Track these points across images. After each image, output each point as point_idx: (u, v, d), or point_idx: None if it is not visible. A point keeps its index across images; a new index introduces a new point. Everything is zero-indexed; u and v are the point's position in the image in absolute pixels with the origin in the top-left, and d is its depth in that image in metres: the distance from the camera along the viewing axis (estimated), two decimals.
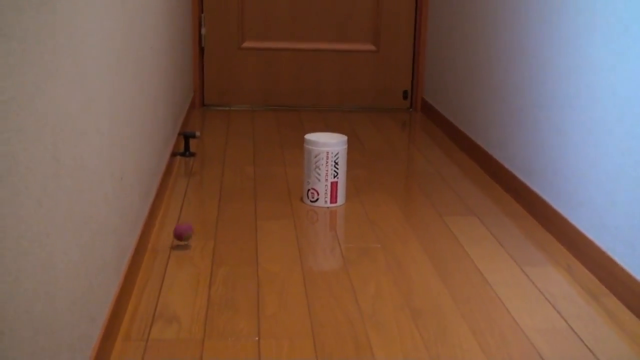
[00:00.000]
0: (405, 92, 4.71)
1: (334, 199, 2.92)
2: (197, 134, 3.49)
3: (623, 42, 2.24)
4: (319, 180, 2.90)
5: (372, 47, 4.63)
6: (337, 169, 2.89)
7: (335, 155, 2.88)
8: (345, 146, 2.91)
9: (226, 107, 4.65)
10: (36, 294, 1.26)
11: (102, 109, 1.80)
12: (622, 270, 2.21)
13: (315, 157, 2.88)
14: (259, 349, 1.90)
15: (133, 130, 2.26)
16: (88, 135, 1.65)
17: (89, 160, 1.65)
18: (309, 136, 2.91)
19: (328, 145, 2.87)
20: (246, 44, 4.57)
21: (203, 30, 4.52)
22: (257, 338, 1.95)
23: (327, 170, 2.88)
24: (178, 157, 3.54)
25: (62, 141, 1.42)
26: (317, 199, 2.92)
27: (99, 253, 1.76)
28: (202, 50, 4.56)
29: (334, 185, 2.91)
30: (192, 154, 3.57)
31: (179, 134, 3.60)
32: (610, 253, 2.30)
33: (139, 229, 2.37)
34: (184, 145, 3.54)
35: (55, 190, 1.38)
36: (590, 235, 2.43)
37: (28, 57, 1.21)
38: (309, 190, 2.92)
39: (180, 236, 2.46)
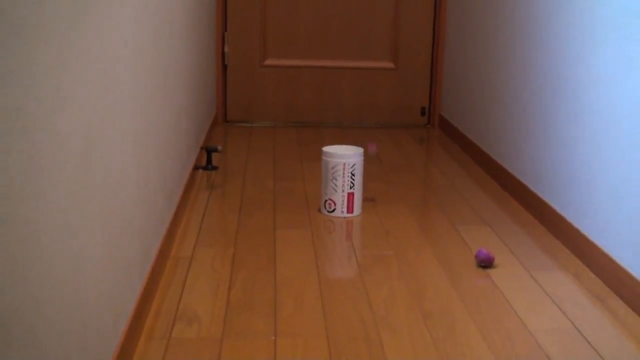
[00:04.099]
0: (423, 109, 4.80)
1: (350, 209, 3.02)
2: (220, 148, 3.61)
3: (629, 56, 2.33)
4: (336, 191, 2.99)
5: (390, 65, 4.74)
6: (354, 180, 2.99)
7: (351, 167, 2.98)
8: (362, 158, 3.01)
9: (248, 124, 4.77)
10: (66, 280, 1.36)
11: (128, 114, 1.91)
12: (628, 274, 2.28)
13: (333, 168, 2.98)
14: (275, 347, 2.00)
15: (157, 137, 2.37)
16: (115, 138, 1.76)
17: (115, 162, 1.76)
18: (327, 148, 3.01)
19: (345, 157, 2.97)
20: (268, 62, 4.69)
21: (226, 48, 4.65)
22: (273, 337, 2.05)
23: (343, 182, 2.98)
24: (200, 171, 3.65)
25: (91, 141, 1.53)
26: (334, 209, 3.02)
27: (124, 252, 1.87)
28: (225, 67, 4.69)
29: (351, 196, 3.00)
30: (215, 168, 3.69)
31: (202, 148, 3.71)
32: (616, 258, 2.38)
33: (162, 234, 2.48)
34: (207, 159, 3.65)
35: (84, 186, 1.48)
36: (597, 241, 2.51)
37: (63, 60, 1.32)
38: (326, 200, 3.02)
39: (487, 261, 2.52)
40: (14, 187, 1.11)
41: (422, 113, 4.82)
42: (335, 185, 2.99)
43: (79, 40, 1.44)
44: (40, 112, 1.22)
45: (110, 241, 1.72)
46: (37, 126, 1.20)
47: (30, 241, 1.17)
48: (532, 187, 3.12)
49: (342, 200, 3.00)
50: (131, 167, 1.97)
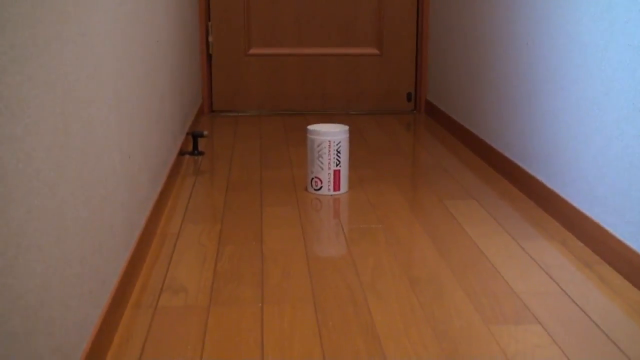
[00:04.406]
0: (409, 94, 4.80)
1: (337, 186, 3.01)
2: (205, 133, 3.60)
3: (608, 20, 2.33)
4: (322, 168, 2.99)
5: (375, 51, 4.74)
6: (340, 157, 2.99)
7: (337, 144, 2.98)
8: (347, 135, 3.01)
9: (234, 113, 4.76)
10: (47, 233, 1.35)
11: (108, 81, 1.90)
12: (613, 238, 2.28)
13: (318, 146, 2.97)
14: (262, 313, 1.99)
15: (139, 112, 2.36)
16: (95, 104, 1.75)
17: (96, 126, 1.75)
18: (312, 127, 3.01)
19: (330, 135, 2.97)
20: (252, 51, 4.69)
21: (210, 38, 4.64)
22: (260, 304, 2.04)
23: (329, 159, 2.98)
24: (187, 156, 3.64)
25: (71, 102, 1.52)
26: (321, 187, 3.01)
27: (107, 220, 1.86)
28: (209, 57, 4.68)
29: (337, 174, 3.00)
30: (201, 153, 3.68)
31: (188, 134, 3.70)
32: (602, 223, 2.38)
33: (147, 211, 2.47)
34: (193, 145, 3.64)
35: (65, 144, 1.48)
36: (583, 208, 2.51)
37: (38, 12, 1.31)
38: (312, 179, 3.02)
39: None
40: None
41: (409, 99, 4.82)
42: (322, 163, 2.98)
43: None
44: (14, 58, 1.21)
45: (93, 205, 1.71)
46: (14, 76, 1.20)
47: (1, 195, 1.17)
48: (519, 162, 3.12)
49: (329, 178, 3.00)
50: (113, 134, 1.96)
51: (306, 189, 3.09)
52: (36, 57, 1.31)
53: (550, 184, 2.80)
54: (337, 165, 2.99)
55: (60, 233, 1.44)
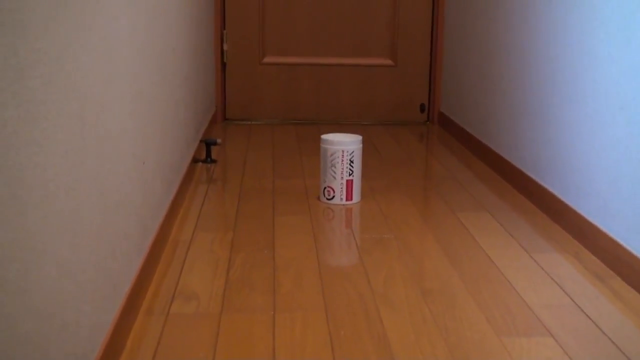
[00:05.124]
0: (422, 106, 4.81)
1: (349, 196, 3.01)
2: (219, 141, 3.61)
3: (623, 35, 2.33)
4: (335, 178, 2.99)
5: (389, 62, 4.74)
6: (353, 167, 2.99)
7: (350, 154, 2.98)
8: (360, 145, 3.01)
9: (247, 122, 4.77)
10: (62, 238, 1.36)
11: (125, 87, 1.91)
12: (627, 252, 2.28)
13: (331, 155, 2.98)
14: (274, 321, 1.99)
15: (154, 118, 2.37)
16: (112, 109, 1.76)
17: (112, 132, 1.76)
18: (325, 136, 3.01)
19: (343, 144, 2.97)
20: (267, 59, 4.70)
21: (225, 46, 4.65)
22: (272, 312, 2.04)
23: (342, 169, 2.98)
24: (200, 164, 3.65)
25: (88, 107, 1.53)
26: (333, 197, 3.02)
27: (121, 225, 1.87)
28: (224, 65, 4.69)
29: (350, 183, 3.00)
30: (214, 161, 3.68)
31: (201, 141, 3.71)
32: (615, 237, 2.37)
33: (161, 217, 2.47)
34: (206, 152, 3.65)
35: (81, 149, 1.48)
36: (596, 221, 2.50)
37: (60, 14, 1.32)
38: (325, 188, 3.02)
39: None
40: (5, 131, 1.11)
41: (422, 110, 4.82)
42: (334, 173, 2.99)
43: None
44: (34, 62, 1.22)
45: (107, 209, 1.72)
46: (32, 79, 1.20)
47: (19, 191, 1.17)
48: (532, 175, 3.12)
49: (341, 188, 3.00)
50: (128, 139, 1.97)
51: (318, 198, 3.09)
52: (55, 62, 1.32)
53: (563, 197, 2.79)
54: (349, 175, 2.99)
55: (75, 238, 1.45)
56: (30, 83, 1.19)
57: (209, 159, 3.66)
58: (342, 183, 2.99)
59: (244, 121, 4.78)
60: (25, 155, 1.17)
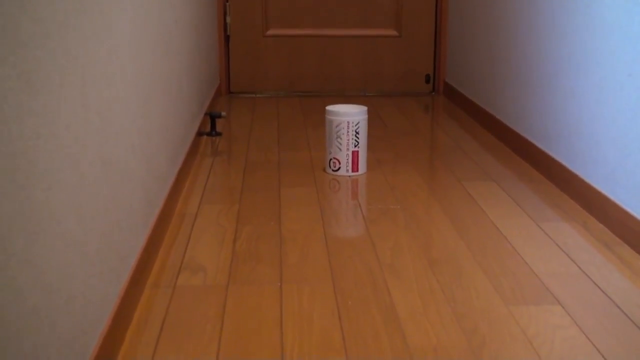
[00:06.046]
0: (427, 76, 4.78)
1: (355, 167, 3.00)
2: (223, 113, 3.59)
3: (631, 0, 2.31)
4: (340, 149, 2.98)
5: (394, 32, 4.71)
6: (358, 138, 2.97)
7: (355, 125, 2.96)
8: (366, 116, 2.99)
9: (252, 94, 4.75)
10: (67, 209, 1.35)
11: (127, 59, 1.90)
12: (634, 220, 2.27)
13: (337, 127, 2.96)
14: (281, 293, 1.99)
15: (158, 91, 2.36)
16: (115, 81, 1.74)
17: (115, 104, 1.75)
18: (330, 107, 2.99)
19: (348, 115, 2.95)
20: (270, 32, 4.67)
21: (228, 19, 4.63)
22: (279, 284, 2.04)
23: (348, 140, 2.97)
24: (204, 137, 3.64)
25: (90, 79, 1.52)
26: (339, 168, 3.00)
27: (126, 198, 1.86)
28: (227, 38, 4.67)
29: (355, 154, 2.99)
30: (219, 134, 3.67)
31: (206, 114, 3.70)
32: (622, 205, 2.36)
33: (166, 190, 2.47)
34: (210, 125, 3.64)
35: (84, 121, 1.47)
36: (604, 190, 2.49)
37: None
38: (330, 159, 3.01)
39: None
40: (7, 103, 1.09)
41: (427, 80, 4.79)
42: (340, 144, 2.97)
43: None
44: (34, 34, 1.20)
45: (112, 182, 1.71)
46: (35, 50, 1.19)
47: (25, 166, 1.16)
48: (539, 144, 3.10)
49: (347, 159, 2.99)
50: (132, 113, 1.95)
51: (324, 170, 3.08)
52: (56, 33, 1.30)
53: (570, 166, 2.77)
54: (355, 146, 2.98)
55: (80, 209, 1.44)
56: (30, 54, 1.18)
57: (213, 132, 3.65)
58: (347, 154, 2.98)
59: (249, 94, 4.76)
60: (28, 126, 1.16)
